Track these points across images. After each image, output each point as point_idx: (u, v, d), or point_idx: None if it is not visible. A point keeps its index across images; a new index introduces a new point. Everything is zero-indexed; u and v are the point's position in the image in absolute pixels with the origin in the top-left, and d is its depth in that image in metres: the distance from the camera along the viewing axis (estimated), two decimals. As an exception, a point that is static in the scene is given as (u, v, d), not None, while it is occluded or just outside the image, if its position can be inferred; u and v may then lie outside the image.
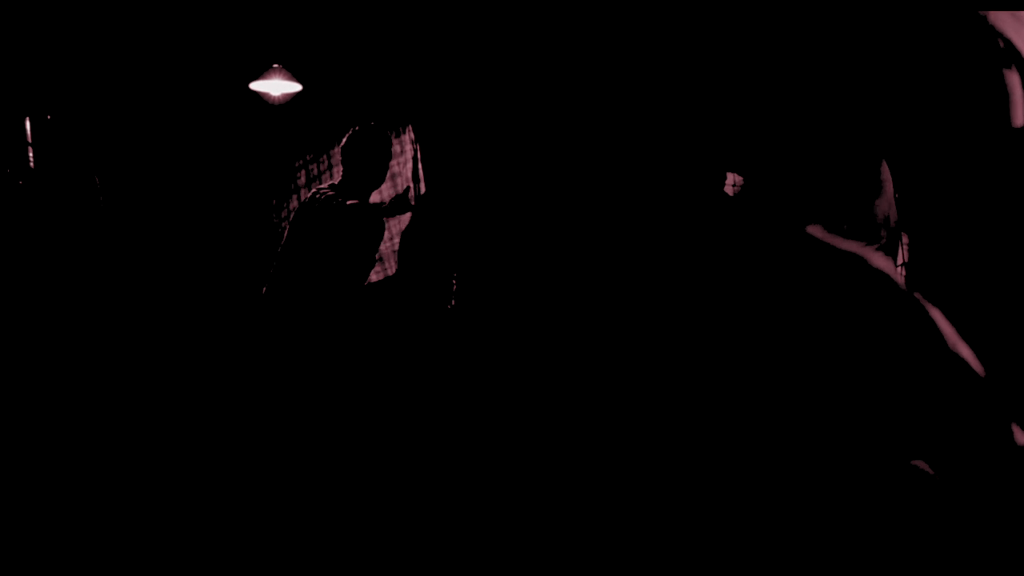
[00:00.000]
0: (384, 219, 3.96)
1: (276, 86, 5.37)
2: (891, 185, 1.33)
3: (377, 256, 4.65)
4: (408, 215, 4.20)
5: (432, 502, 3.29)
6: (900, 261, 1.50)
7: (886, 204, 1.33)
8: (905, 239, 1.43)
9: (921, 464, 1.17)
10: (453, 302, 4.99)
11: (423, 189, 5.04)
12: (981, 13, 1.24)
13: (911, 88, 1.27)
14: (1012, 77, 1.26)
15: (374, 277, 5.10)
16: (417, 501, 3.30)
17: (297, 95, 5.62)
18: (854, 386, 1.17)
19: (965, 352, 1.16)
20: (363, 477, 3.56)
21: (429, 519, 3.16)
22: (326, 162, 5.74)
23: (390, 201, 3.89)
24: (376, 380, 4.37)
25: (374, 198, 4.84)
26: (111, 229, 5.21)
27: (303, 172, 5.90)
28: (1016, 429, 1.18)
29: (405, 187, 3.88)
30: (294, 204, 3.83)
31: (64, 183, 4.94)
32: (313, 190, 3.86)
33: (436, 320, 5.04)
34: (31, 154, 5.33)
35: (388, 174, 4.78)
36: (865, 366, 1.18)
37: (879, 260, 1.24)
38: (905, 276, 1.28)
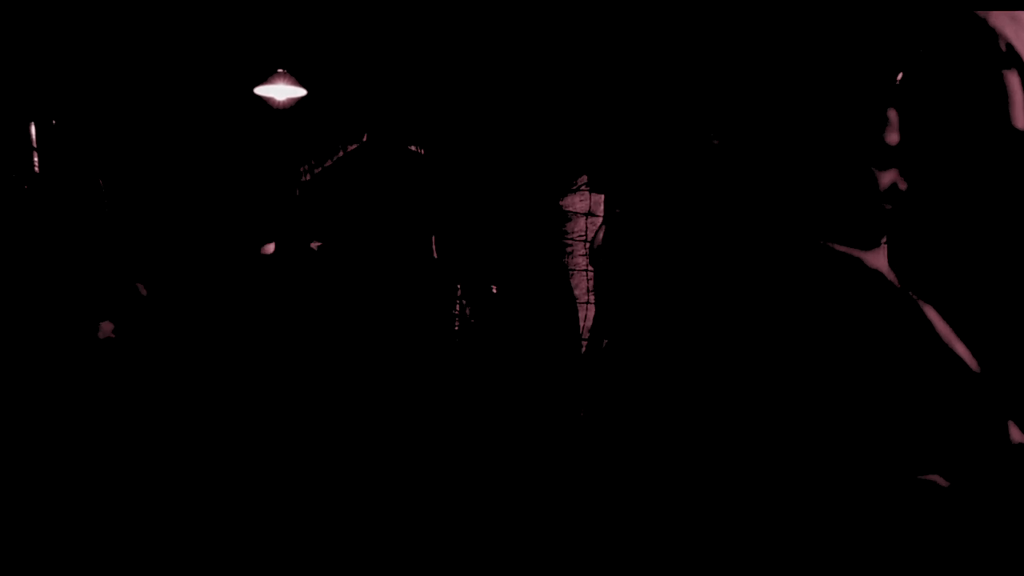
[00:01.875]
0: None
1: (281, 91, 5.39)
2: (888, 185, 1.32)
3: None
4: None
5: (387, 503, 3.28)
6: (896, 261, 1.50)
7: (883, 205, 1.32)
8: (902, 239, 1.43)
9: (920, 466, 1.17)
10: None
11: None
12: (980, 14, 1.23)
13: (908, 89, 1.27)
14: (1012, 78, 1.25)
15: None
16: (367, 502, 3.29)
17: (302, 100, 5.63)
18: (851, 385, 1.17)
19: (961, 350, 1.16)
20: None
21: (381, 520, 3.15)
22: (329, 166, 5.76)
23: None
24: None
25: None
26: (114, 233, 5.22)
27: (308, 175, 5.92)
28: (1013, 427, 1.17)
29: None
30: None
31: (68, 187, 4.97)
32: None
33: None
34: (36, 159, 5.36)
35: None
36: (862, 366, 1.18)
37: (875, 260, 1.24)
38: (900, 276, 1.27)
